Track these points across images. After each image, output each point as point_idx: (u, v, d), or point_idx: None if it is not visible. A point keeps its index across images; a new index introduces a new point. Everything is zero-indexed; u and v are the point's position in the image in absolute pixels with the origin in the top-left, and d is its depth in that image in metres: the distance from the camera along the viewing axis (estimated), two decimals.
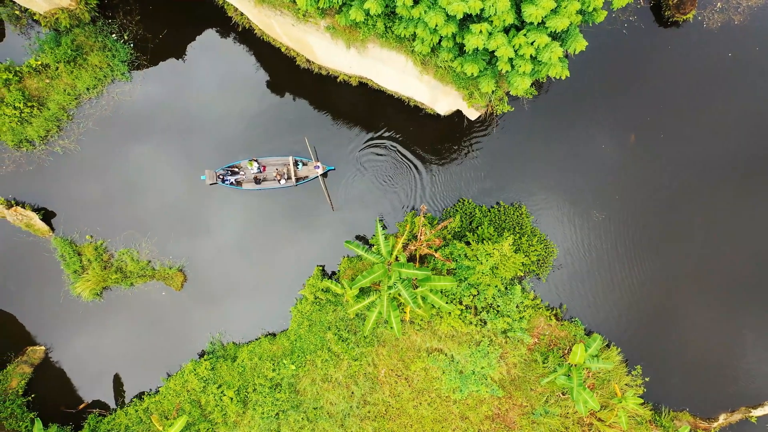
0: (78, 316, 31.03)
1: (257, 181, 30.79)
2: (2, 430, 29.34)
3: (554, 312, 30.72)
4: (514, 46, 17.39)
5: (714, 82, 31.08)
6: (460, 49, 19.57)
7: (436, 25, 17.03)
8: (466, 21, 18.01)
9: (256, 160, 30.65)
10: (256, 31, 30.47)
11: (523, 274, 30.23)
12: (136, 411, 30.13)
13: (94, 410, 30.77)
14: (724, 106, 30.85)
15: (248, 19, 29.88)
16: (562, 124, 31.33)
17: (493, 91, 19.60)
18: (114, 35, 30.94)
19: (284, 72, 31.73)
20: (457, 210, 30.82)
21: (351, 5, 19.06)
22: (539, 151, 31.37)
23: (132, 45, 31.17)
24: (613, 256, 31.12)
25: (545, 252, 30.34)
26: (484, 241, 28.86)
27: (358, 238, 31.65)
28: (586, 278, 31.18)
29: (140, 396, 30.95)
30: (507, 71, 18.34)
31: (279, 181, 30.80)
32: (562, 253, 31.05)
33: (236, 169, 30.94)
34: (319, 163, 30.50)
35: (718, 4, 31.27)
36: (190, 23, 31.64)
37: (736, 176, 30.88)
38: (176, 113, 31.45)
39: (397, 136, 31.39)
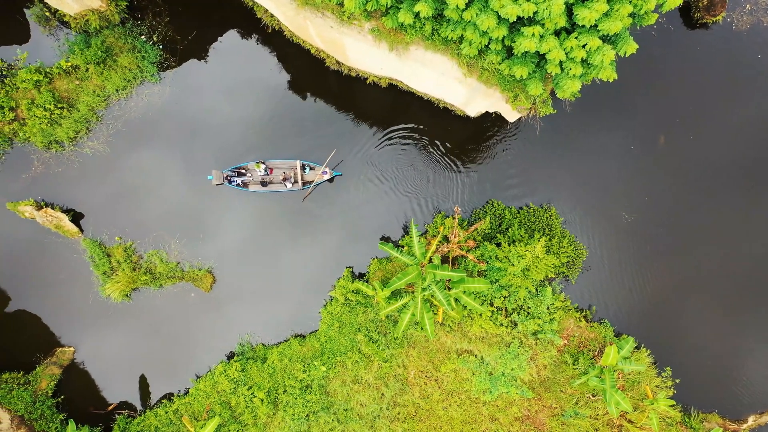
0: (106, 317, 31.05)
1: (263, 183, 30.72)
2: (32, 431, 29.39)
3: (583, 314, 30.72)
4: (565, 49, 17.42)
5: (743, 84, 31.09)
6: (508, 52, 19.59)
7: (488, 28, 17.05)
8: (516, 24, 18.03)
9: (263, 163, 30.60)
10: (285, 33, 30.45)
11: (553, 276, 30.22)
12: (166, 412, 30.15)
13: (123, 411, 30.81)
14: (755, 109, 30.85)
15: (278, 20, 29.87)
16: (590, 126, 31.31)
17: (539, 94, 19.62)
18: (143, 37, 30.95)
19: (312, 73, 31.71)
20: (486, 211, 30.83)
21: (399, 8, 19.08)
22: (567, 152, 31.35)
23: (161, 46, 31.17)
24: (642, 258, 31.13)
25: (575, 254, 30.35)
26: (515, 243, 28.88)
27: (382, 239, 31.66)
28: (615, 279, 31.18)
29: (169, 397, 30.97)
30: (556, 74, 18.37)
31: (285, 184, 30.70)
32: (591, 255, 31.05)
33: (243, 171, 30.90)
34: (327, 169, 30.43)
35: (747, 5, 31.27)
36: (219, 24, 31.63)
37: None
38: (202, 114, 31.42)
39: (426, 137, 31.40)
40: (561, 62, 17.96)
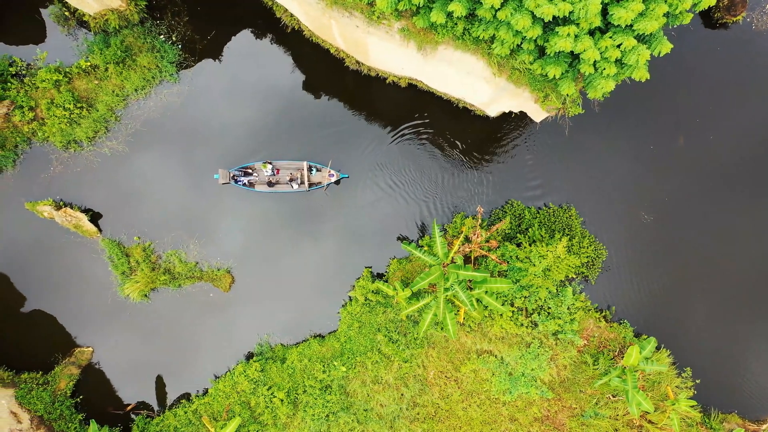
0: (125, 317, 31.02)
1: (270, 184, 30.66)
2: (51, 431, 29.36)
3: (603, 314, 30.67)
4: (599, 49, 17.37)
5: (763, 84, 31.03)
6: (540, 51, 19.54)
7: (522, 28, 17.00)
8: (549, 23, 17.99)
9: (270, 163, 30.55)
10: (304, 33, 30.41)
11: (573, 276, 30.18)
12: (185, 412, 30.12)
13: (141, 411, 30.76)
14: None
15: (298, 20, 29.82)
16: (609, 126, 31.25)
17: (569, 94, 19.58)
18: (162, 36, 30.90)
19: (329, 73, 31.68)
20: (506, 212, 30.79)
21: (431, 7, 19.02)
22: (586, 152, 31.31)
23: (180, 46, 31.11)
24: (661, 258, 31.07)
25: (595, 254, 30.30)
26: (535, 243, 28.84)
27: (398, 239, 31.61)
28: (634, 280, 31.14)
29: (187, 397, 30.92)
30: (589, 74, 18.33)
31: (291, 185, 30.63)
32: (610, 255, 30.99)
33: (250, 170, 30.83)
34: (333, 171, 30.41)
35: (767, 6, 31.21)
36: (237, 24, 31.59)
37: None
38: (219, 114, 31.33)
39: (443, 137, 31.36)
40: (595, 62, 17.91)
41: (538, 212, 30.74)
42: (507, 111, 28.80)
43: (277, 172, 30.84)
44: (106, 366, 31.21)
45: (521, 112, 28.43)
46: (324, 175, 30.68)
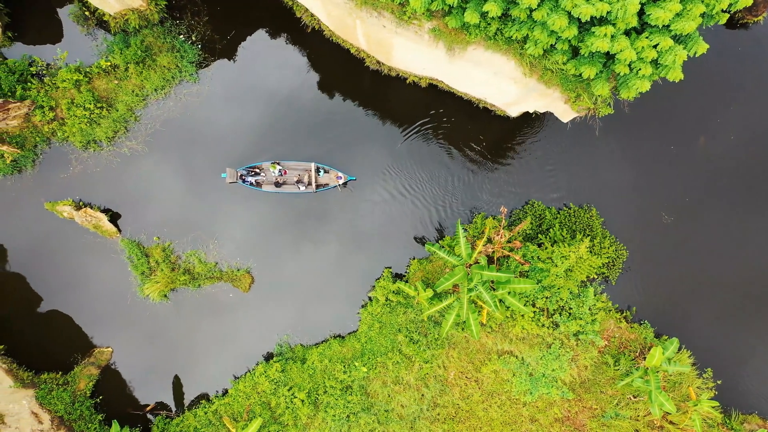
0: (144, 317, 30.97)
1: (277, 184, 30.58)
2: None
3: (624, 314, 30.63)
4: (636, 49, 17.32)
5: None
6: (573, 52, 19.48)
7: (559, 28, 16.95)
8: (584, 23, 17.93)
9: (278, 164, 30.45)
10: (325, 32, 30.35)
11: (594, 277, 30.13)
12: (205, 413, 30.07)
13: (160, 412, 30.71)
14: None
15: (318, 20, 29.75)
16: (628, 127, 31.19)
17: (601, 94, 19.53)
18: (182, 36, 30.83)
19: (348, 73, 31.63)
20: (526, 212, 30.73)
21: (465, 8, 18.95)
22: (606, 152, 31.26)
23: (200, 46, 31.05)
24: (681, 259, 31.02)
25: (615, 254, 30.25)
26: (557, 244, 28.78)
27: (415, 239, 31.55)
28: (654, 280, 31.09)
29: (206, 398, 30.87)
30: (624, 74, 18.28)
31: (298, 186, 30.53)
32: (630, 255, 30.93)
33: (257, 170, 30.75)
34: (341, 173, 30.37)
35: None
36: (257, 24, 31.53)
37: None
38: (235, 113, 31.27)
39: (463, 137, 31.31)
40: (630, 62, 17.85)
41: (559, 212, 30.69)
42: (529, 111, 28.71)
43: (285, 173, 30.79)
44: (124, 366, 31.17)
45: (540, 112, 28.38)
46: (331, 177, 30.63)
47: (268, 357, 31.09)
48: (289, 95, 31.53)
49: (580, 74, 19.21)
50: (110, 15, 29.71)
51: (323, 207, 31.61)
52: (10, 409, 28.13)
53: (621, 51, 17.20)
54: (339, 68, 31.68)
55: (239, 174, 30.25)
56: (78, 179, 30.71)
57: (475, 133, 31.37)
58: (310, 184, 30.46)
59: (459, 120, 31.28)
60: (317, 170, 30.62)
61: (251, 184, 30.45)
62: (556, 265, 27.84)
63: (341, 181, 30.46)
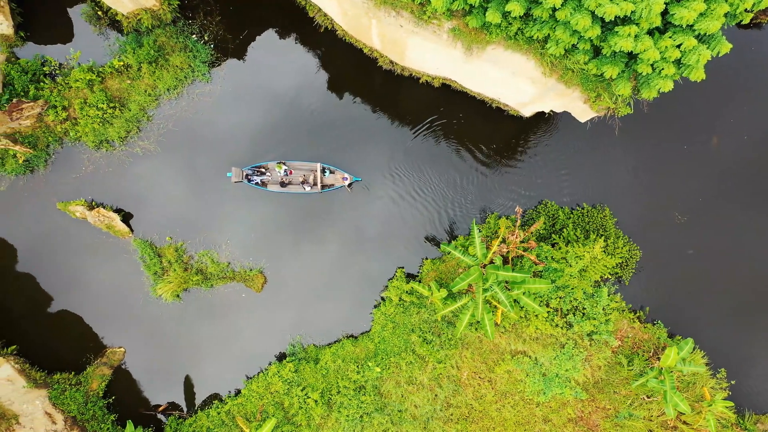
0: (157, 317, 30.95)
1: (282, 184, 30.52)
2: None
3: (637, 314, 30.59)
4: (659, 49, 17.29)
5: None
6: (594, 51, 19.45)
7: (582, 28, 16.92)
8: (607, 23, 17.91)
9: (284, 164, 30.41)
10: (338, 32, 30.31)
11: (607, 277, 30.09)
12: (218, 413, 30.04)
13: (173, 412, 30.68)
14: None
15: (331, 19, 29.71)
16: (641, 127, 31.15)
17: (622, 94, 19.49)
18: (194, 36, 30.79)
19: (360, 72, 31.55)
20: (539, 212, 30.70)
21: (486, 7, 18.92)
22: (619, 152, 31.22)
23: (212, 45, 31.01)
24: (695, 259, 30.98)
25: (629, 254, 30.21)
26: (571, 244, 28.75)
27: (426, 239, 31.50)
28: (667, 280, 31.06)
29: (219, 398, 30.84)
30: (647, 74, 18.25)
31: (303, 186, 30.48)
32: (644, 255, 30.88)
33: (263, 170, 30.71)
34: (346, 174, 30.34)
35: None
36: (269, 24, 31.47)
37: None
38: (246, 113, 31.22)
39: (474, 137, 31.26)
40: (653, 62, 17.82)
41: (572, 212, 30.65)
42: (544, 111, 28.66)
43: (290, 173, 30.75)
44: (136, 367, 31.15)
45: (556, 112, 28.34)
46: (337, 178, 30.58)
47: (281, 357, 31.06)
48: (297, 95, 31.45)
49: (602, 74, 19.19)
50: (123, 14, 29.66)
51: (332, 207, 31.54)
52: (24, 409, 28.10)
53: (644, 51, 17.17)
54: (350, 68, 31.62)
55: (245, 173, 30.22)
56: (90, 179, 30.67)
57: (487, 132, 31.33)
58: (315, 184, 30.43)
59: (471, 120, 31.22)
60: (323, 171, 30.58)
61: (257, 183, 30.43)
62: (571, 265, 27.81)
63: (347, 182, 30.43)
